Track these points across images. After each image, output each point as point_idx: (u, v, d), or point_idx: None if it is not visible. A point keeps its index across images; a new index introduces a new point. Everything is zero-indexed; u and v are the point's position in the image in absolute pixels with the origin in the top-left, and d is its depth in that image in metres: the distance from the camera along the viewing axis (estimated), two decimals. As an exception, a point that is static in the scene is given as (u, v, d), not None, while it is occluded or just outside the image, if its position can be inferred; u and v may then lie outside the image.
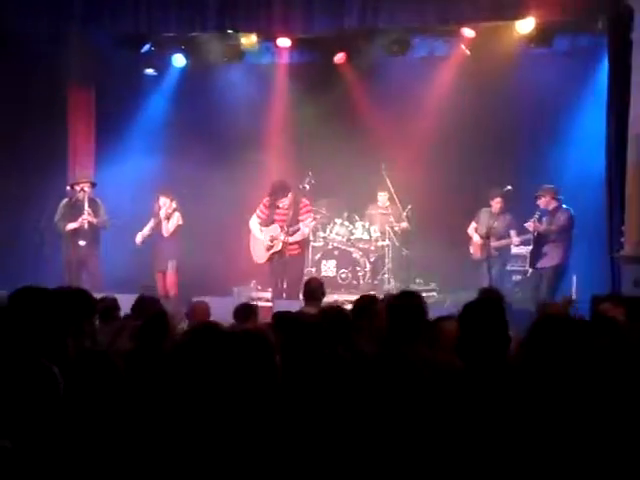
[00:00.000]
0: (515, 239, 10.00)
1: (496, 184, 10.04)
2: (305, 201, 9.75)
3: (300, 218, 9.63)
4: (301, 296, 7.20)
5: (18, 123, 9.98)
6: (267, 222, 9.74)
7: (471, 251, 10.31)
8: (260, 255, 9.84)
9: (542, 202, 9.48)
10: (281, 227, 9.60)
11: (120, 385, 3.22)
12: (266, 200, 9.83)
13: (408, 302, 4.08)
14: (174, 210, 10.26)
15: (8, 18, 9.53)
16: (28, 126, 10.05)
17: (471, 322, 3.48)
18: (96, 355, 3.37)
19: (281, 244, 9.61)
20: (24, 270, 9.12)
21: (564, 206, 9.48)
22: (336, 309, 4.91)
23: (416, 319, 4.02)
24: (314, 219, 10.04)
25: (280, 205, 9.66)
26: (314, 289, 6.58)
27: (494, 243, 9.99)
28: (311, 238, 10.68)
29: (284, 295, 9.57)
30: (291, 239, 9.64)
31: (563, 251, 9.46)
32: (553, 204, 9.46)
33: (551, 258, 9.45)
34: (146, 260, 10.42)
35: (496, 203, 10.03)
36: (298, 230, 9.67)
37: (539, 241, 9.48)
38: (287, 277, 9.25)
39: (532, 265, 9.66)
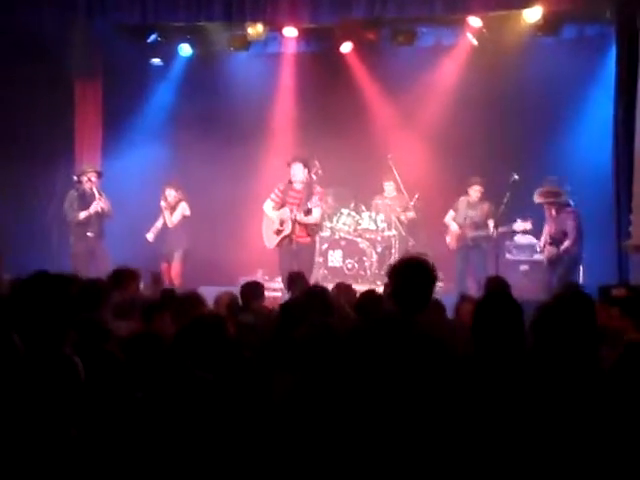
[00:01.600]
0: (492, 230, 9.89)
1: (503, 173, 9.96)
2: (319, 189, 9.70)
3: (312, 204, 9.56)
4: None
5: (25, 114, 9.99)
6: (280, 206, 9.70)
7: (447, 240, 10.34)
8: (270, 239, 9.79)
9: (546, 210, 9.31)
10: (291, 210, 9.57)
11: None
12: (281, 184, 9.80)
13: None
14: (180, 200, 10.28)
15: (14, 10, 9.51)
16: (35, 117, 10.06)
17: (488, 316, 3.44)
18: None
19: (291, 226, 9.56)
20: (31, 260, 9.12)
21: (568, 208, 9.24)
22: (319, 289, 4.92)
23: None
24: (323, 208, 10.02)
25: (294, 187, 9.62)
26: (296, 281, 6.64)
27: (471, 233, 10.03)
28: (327, 233, 10.67)
29: None
30: (303, 219, 9.51)
31: (576, 239, 9.33)
32: (554, 210, 9.23)
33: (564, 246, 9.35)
34: (153, 250, 10.44)
35: (475, 191, 10.05)
36: (310, 213, 9.63)
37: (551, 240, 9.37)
38: (297, 266, 9.21)
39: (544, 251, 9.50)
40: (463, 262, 10.08)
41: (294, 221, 9.50)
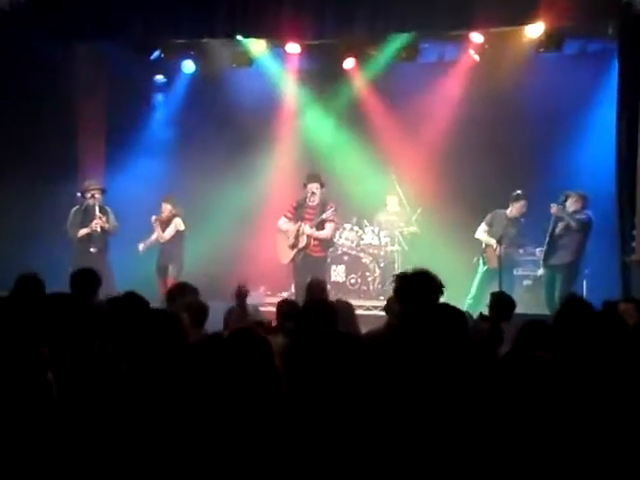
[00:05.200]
0: (530, 249, 9.95)
1: (506, 188, 9.95)
2: (332, 205, 9.76)
3: (326, 215, 9.63)
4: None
5: (29, 132, 10.00)
6: (295, 221, 9.77)
7: (484, 260, 9.90)
8: (285, 254, 9.86)
9: (569, 202, 9.28)
10: (307, 224, 9.65)
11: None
12: (295, 201, 9.87)
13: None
14: (174, 216, 10.29)
15: (18, 28, 9.55)
16: (39, 134, 10.06)
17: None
18: None
19: (305, 240, 9.62)
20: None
21: (585, 210, 9.33)
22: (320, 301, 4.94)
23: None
24: (336, 224, 10.06)
25: (309, 203, 9.68)
26: (315, 288, 6.62)
27: (513, 251, 9.82)
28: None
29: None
30: (316, 233, 9.64)
31: (578, 247, 9.32)
32: (578, 205, 9.28)
33: (564, 255, 9.31)
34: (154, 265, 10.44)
35: (521, 207, 9.70)
36: (323, 227, 9.68)
37: (554, 237, 9.38)
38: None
39: (545, 262, 9.48)
40: (495, 282, 9.38)
41: (309, 237, 9.58)
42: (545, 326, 4.27)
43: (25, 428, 3.04)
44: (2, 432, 3.02)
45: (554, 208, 9.24)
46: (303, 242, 9.66)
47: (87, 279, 5.57)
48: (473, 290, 9.76)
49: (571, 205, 9.31)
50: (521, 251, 10.02)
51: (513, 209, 9.77)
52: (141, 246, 10.35)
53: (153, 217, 10.29)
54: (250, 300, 10.61)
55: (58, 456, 3.01)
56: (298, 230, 9.66)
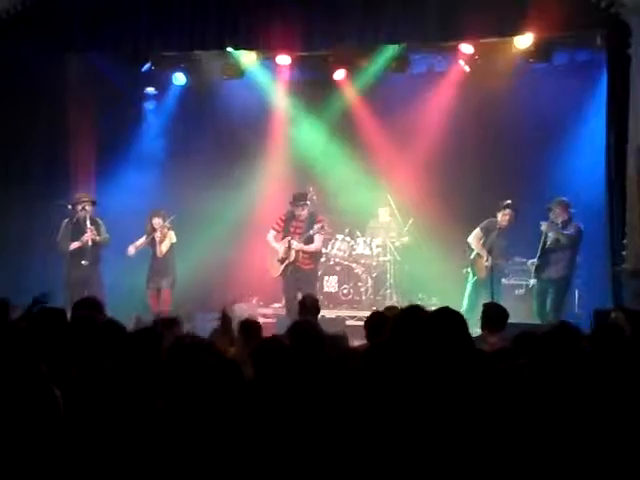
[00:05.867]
0: (518, 259, 9.98)
1: (497, 198, 9.93)
2: (321, 217, 9.78)
3: (313, 231, 9.65)
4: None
5: (19, 143, 9.99)
6: (283, 234, 9.79)
7: (473, 271, 9.88)
8: (275, 268, 9.87)
9: (554, 214, 9.32)
10: (292, 239, 9.65)
11: None
12: (283, 214, 9.88)
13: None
14: (168, 229, 10.26)
15: (9, 39, 9.56)
16: (30, 147, 10.06)
17: None
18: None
19: (294, 254, 9.64)
20: (26, 290, 9.07)
21: (574, 221, 9.34)
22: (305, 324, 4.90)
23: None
24: (325, 236, 10.08)
25: (297, 216, 9.71)
26: (309, 306, 6.62)
27: (503, 263, 9.85)
28: (322, 258, 10.70)
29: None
30: (305, 247, 9.67)
31: (569, 263, 9.39)
32: (565, 216, 9.32)
33: (557, 270, 9.35)
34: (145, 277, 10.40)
35: (505, 216, 9.62)
36: (312, 241, 9.70)
37: (546, 252, 9.41)
38: (300, 293, 9.25)
39: (537, 276, 9.53)
40: (485, 292, 9.54)
41: (298, 252, 9.62)
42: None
43: (33, 443, 3.04)
44: (10, 447, 3.01)
45: (544, 226, 9.30)
46: (292, 256, 9.69)
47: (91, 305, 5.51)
48: (465, 301, 9.75)
49: (557, 216, 9.32)
50: (509, 262, 10.04)
51: (500, 219, 9.72)
52: (132, 249, 10.26)
53: (157, 234, 10.17)
54: (242, 311, 10.72)
55: (65, 470, 3.02)
56: (288, 245, 9.68)
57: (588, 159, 10.04)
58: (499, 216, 9.69)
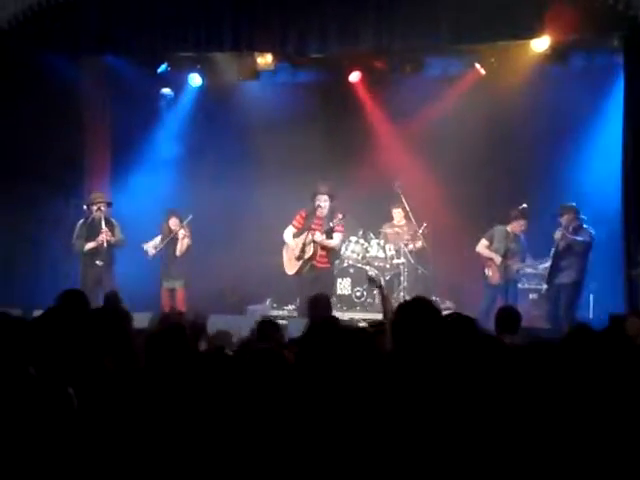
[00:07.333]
0: (530, 261, 9.93)
1: (512, 203, 9.92)
2: (340, 215, 9.67)
3: (333, 223, 9.53)
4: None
5: (35, 145, 10.04)
6: (301, 232, 9.68)
7: (488, 274, 9.86)
8: (292, 266, 9.78)
9: (565, 219, 9.29)
10: (313, 234, 9.53)
11: None
12: (303, 210, 9.81)
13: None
14: (184, 229, 10.27)
15: (24, 43, 9.60)
16: (45, 147, 10.10)
17: None
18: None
19: (312, 249, 9.54)
20: (40, 291, 9.13)
21: (585, 226, 9.32)
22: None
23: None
24: (344, 235, 10.03)
25: (318, 213, 9.59)
26: (321, 306, 6.55)
27: (516, 265, 9.80)
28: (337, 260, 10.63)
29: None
30: (325, 241, 9.50)
31: (581, 268, 9.35)
32: (575, 222, 9.31)
33: (569, 275, 9.34)
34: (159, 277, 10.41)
35: (520, 225, 9.68)
36: (332, 236, 9.57)
37: (558, 258, 9.38)
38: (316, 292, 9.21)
39: (549, 281, 9.51)
40: (501, 296, 9.60)
41: (315, 244, 9.48)
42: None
43: (47, 441, 3.05)
44: (23, 446, 3.03)
45: (557, 234, 9.31)
46: (309, 252, 9.56)
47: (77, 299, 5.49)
48: (482, 305, 9.69)
49: (569, 222, 9.30)
50: (522, 265, 10.00)
51: (512, 226, 9.74)
52: (152, 250, 10.28)
53: (180, 232, 10.18)
54: (256, 312, 10.72)
55: (77, 468, 3.04)
56: (305, 241, 9.59)
57: (604, 162, 9.99)
58: (513, 224, 9.71)
